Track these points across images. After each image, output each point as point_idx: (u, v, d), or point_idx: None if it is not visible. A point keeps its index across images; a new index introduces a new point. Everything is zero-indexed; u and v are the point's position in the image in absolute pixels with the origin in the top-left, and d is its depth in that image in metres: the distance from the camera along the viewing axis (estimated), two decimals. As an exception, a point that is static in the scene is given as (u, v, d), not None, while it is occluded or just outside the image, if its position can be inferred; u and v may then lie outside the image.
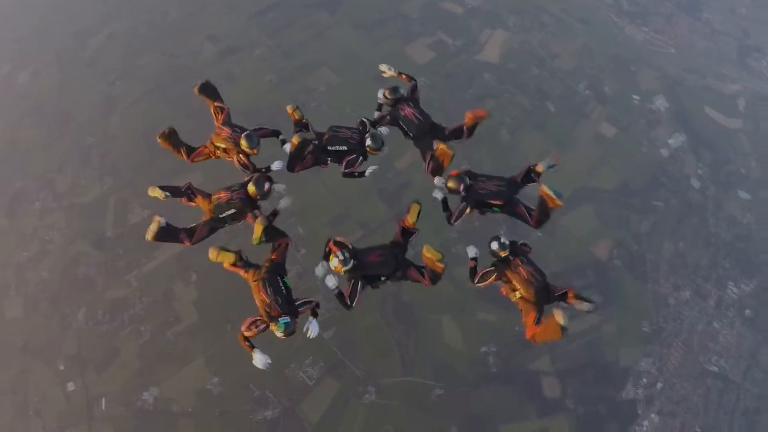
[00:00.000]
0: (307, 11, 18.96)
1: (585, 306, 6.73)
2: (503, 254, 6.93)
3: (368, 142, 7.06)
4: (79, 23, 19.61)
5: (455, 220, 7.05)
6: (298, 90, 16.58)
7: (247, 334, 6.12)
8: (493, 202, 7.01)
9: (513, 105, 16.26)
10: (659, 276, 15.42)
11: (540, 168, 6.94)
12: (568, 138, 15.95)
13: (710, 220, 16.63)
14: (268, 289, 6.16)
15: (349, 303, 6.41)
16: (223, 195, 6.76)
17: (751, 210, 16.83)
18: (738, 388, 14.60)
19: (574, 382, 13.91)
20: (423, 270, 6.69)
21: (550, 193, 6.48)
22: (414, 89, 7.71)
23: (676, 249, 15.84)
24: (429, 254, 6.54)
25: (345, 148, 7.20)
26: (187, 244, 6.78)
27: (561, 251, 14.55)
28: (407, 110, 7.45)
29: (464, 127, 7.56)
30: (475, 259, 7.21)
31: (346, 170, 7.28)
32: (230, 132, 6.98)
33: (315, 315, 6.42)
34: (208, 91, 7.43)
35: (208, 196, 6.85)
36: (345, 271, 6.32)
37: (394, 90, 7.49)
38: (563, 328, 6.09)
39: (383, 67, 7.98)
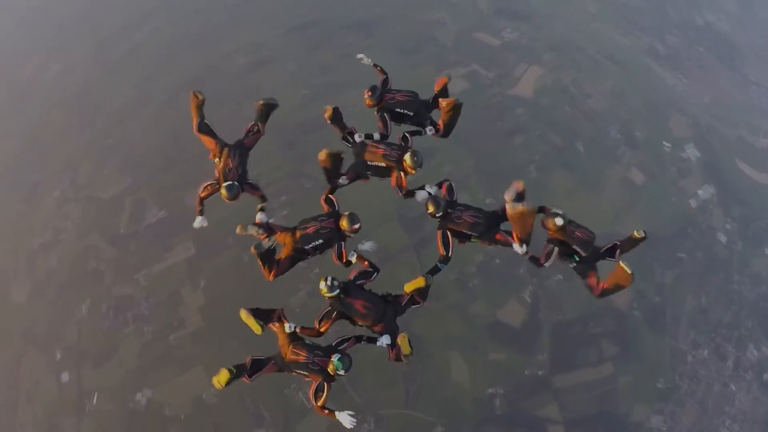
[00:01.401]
0: (342, 32, 19.08)
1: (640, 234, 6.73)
2: (559, 223, 6.70)
3: (407, 158, 6.84)
4: (122, 20, 19.93)
5: (446, 251, 6.80)
6: (330, 104, 15.81)
7: (320, 404, 5.99)
8: (468, 233, 6.85)
9: (543, 142, 16.04)
10: (678, 331, 14.86)
11: (507, 197, 6.53)
12: (597, 181, 15.63)
13: (735, 277, 16.06)
14: (303, 352, 6.00)
15: (317, 327, 6.28)
16: (311, 226, 6.66)
17: (778, 270, 16.26)
18: (752, 456, 13.97)
19: (581, 433, 13.38)
20: (394, 347, 6.35)
21: (520, 207, 6.30)
22: (385, 83, 7.65)
23: (698, 304, 15.29)
24: (401, 343, 6.24)
25: (383, 164, 7.08)
26: (269, 278, 6.64)
27: (580, 296, 13.97)
28: (397, 96, 7.47)
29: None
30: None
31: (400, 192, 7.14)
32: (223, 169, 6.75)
33: (360, 340, 6.36)
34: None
35: (289, 230, 6.76)
36: (326, 296, 6.13)
37: (373, 89, 7.38)
38: (631, 275, 6.27)
39: (360, 55, 7.93)
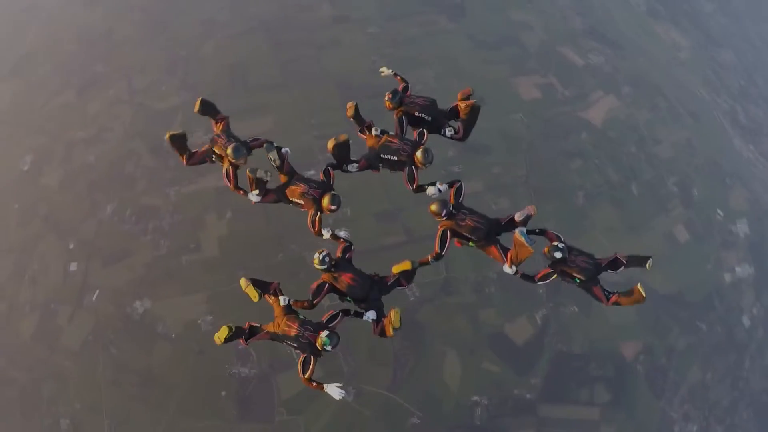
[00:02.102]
0: (427, 9, 18.84)
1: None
2: (558, 257, 7.02)
3: (418, 154, 7.15)
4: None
5: (441, 250, 7.06)
6: (394, 81, 15.78)
7: (307, 376, 6.23)
8: (468, 236, 7.14)
9: (599, 173, 15.68)
10: (675, 399, 14.49)
11: (517, 217, 6.97)
12: (640, 226, 15.23)
13: (746, 363, 15.58)
14: (295, 325, 6.32)
15: (310, 298, 6.62)
16: (301, 186, 7.12)
17: (793, 370, 15.75)
18: None
19: (550, 465, 13.19)
20: (381, 322, 6.77)
21: (523, 239, 6.66)
22: (405, 89, 7.86)
23: (702, 378, 14.86)
24: (393, 317, 6.57)
25: (395, 158, 7.38)
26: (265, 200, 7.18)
27: (590, 332, 13.83)
28: (418, 100, 7.72)
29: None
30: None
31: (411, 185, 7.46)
32: (225, 141, 7.08)
33: (348, 314, 6.77)
34: (208, 109, 7.54)
35: (292, 173, 7.24)
36: (319, 269, 6.59)
37: (394, 93, 7.64)
38: (644, 297, 6.74)
39: (383, 68, 8.30)
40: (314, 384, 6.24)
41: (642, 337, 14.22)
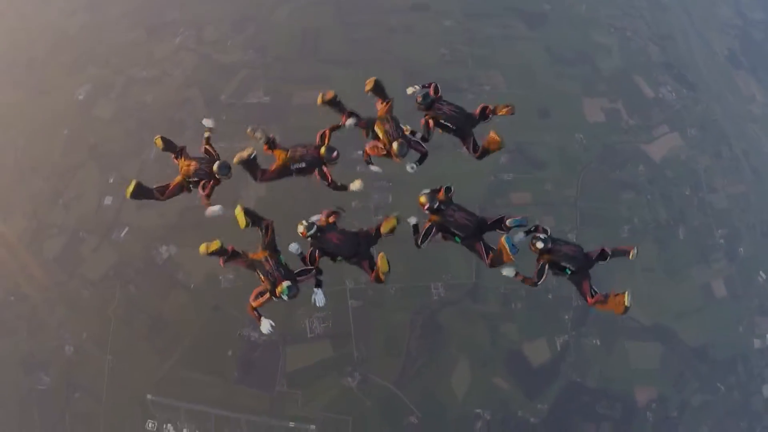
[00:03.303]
0: (509, 13, 18.63)
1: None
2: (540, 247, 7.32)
3: (394, 145, 7.61)
4: None
5: (422, 242, 7.44)
6: (462, 77, 16.34)
7: (254, 304, 6.80)
8: (455, 232, 7.41)
9: (649, 209, 15.27)
10: (677, 457, 14.06)
11: (508, 223, 7.30)
12: (678, 272, 14.78)
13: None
14: (271, 261, 6.89)
15: (310, 266, 7.16)
16: (299, 151, 7.77)
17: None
18: None
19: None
20: (374, 270, 7.27)
21: (507, 246, 6.92)
22: (437, 91, 8.17)
23: (709, 441, 14.41)
24: (380, 263, 7.08)
25: (381, 136, 7.85)
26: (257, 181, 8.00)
27: (607, 369, 13.45)
28: (446, 108, 7.98)
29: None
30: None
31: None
32: (198, 161, 8.00)
33: (319, 285, 7.21)
34: (168, 147, 8.33)
35: (285, 149, 7.86)
36: (307, 236, 7.09)
37: (425, 95, 7.94)
38: (626, 308, 6.99)
39: (410, 89, 8.59)
40: (255, 314, 6.84)
41: (659, 385, 13.74)
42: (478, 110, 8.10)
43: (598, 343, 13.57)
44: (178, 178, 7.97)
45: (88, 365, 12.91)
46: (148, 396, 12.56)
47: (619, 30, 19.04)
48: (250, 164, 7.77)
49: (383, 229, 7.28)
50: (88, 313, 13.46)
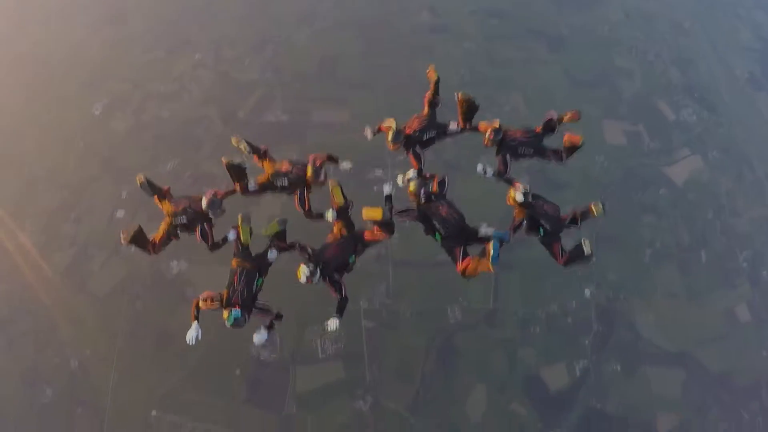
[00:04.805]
0: (530, 36, 18.78)
1: None
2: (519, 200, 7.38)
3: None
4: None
5: (398, 216, 7.27)
6: (482, 95, 15.74)
7: (201, 305, 6.63)
8: (437, 227, 7.18)
9: (671, 233, 14.99)
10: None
11: (491, 233, 7.12)
12: (701, 296, 14.37)
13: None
14: (243, 278, 6.69)
15: (340, 296, 6.84)
16: (286, 165, 7.56)
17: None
18: None
19: None
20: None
21: (491, 253, 6.64)
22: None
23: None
24: (371, 213, 6.93)
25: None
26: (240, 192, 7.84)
27: (628, 395, 12.94)
28: (519, 135, 8.01)
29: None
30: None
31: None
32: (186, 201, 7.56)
33: (271, 327, 6.99)
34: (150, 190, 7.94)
35: (275, 162, 7.72)
36: (317, 281, 6.67)
37: (496, 131, 7.88)
38: (587, 255, 7.21)
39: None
40: (194, 313, 6.74)
41: (681, 412, 13.16)
42: (542, 124, 8.05)
43: (619, 369, 13.09)
44: (164, 225, 7.48)
45: (92, 380, 12.63)
46: (153, 412, 12.23)
47: (640, 53, 19.10)
48: (238, 171, 7.48)
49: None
50: (93, 329, 13.26)
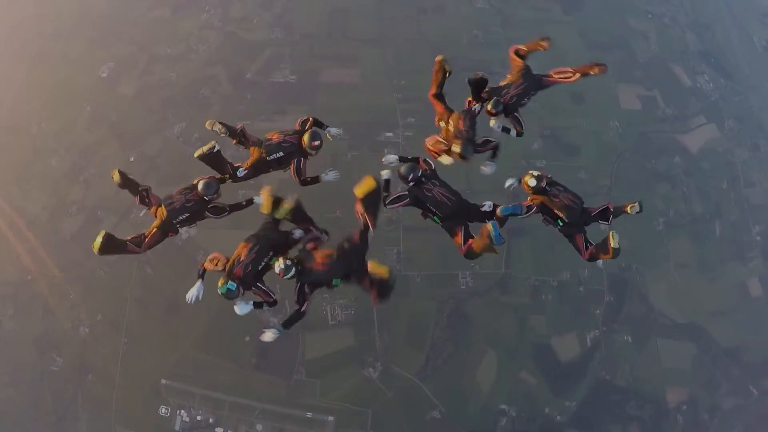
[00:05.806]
0: None
1: None
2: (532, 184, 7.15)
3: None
4: None
5: (389, 204, 7.00)
6: (494, 59, 15.40)
7: (206, 266, 6.69)
8: (432, 209, 6.94)
9: (685, 202, 14.77)
10: (707, 460, 13.50)
11: (499, 211, 6.86)
12: (713, 269, 14.28)
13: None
14: (253, 252, 6.50)
15: (298, 307, 6.61)
16: (276, 137, 7.31)
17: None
18: None
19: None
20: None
21: (492, 234, 6.31)
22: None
23: (743, 443, 13.84)
24: (378, 270, 6.45)
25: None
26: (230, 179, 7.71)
27: (638, 368, 13.00)
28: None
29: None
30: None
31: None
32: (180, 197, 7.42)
33: (260, 306, 6.82)
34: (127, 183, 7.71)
35: (259, 142, 7.41)
36: (288, 278, 6.45)
37: (496, 103, 7.79)
38: (616, 250, 6.84)
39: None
40: (199, 273, 6.89)
41: (690, 387, 13.24)
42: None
43: (630, 340, 13.11)
44: (157, 222, 7.25)
45: (102, 347, 12.63)
46: (163, 381, 12.26)
47: (656, 16, 18.58)
48: (213, 158, 7.18)
49: (358, 192, 6.59)
50: (103, 294, 13.18)
